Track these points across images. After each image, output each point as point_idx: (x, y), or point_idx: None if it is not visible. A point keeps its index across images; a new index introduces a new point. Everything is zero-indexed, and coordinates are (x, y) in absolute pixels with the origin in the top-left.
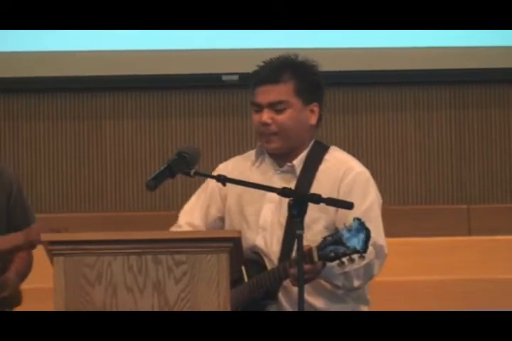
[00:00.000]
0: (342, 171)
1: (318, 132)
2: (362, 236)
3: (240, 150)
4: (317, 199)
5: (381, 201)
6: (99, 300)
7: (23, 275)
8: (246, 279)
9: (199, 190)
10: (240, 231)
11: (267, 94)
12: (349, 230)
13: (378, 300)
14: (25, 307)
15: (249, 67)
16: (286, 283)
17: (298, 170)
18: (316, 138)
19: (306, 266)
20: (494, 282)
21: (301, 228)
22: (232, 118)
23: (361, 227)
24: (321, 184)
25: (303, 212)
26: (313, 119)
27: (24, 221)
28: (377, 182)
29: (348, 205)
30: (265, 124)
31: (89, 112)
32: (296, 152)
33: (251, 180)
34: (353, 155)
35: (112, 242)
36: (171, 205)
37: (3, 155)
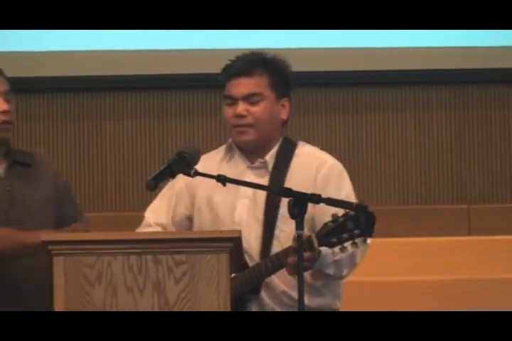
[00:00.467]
0: (315, 165)
1: (319, 132)
2: (366, 219)
3: None
4: (317, 199)
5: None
6: (99, 300)
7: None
8: None
9: (164, 190)
10: (240, 231)
11: (242, 86)
12: (351, 215)
13: (378, 300)
14: None
15: None
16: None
17: (270, 166)
18: (317, 138)
19: (306, 254)
20: (494, 282)
21: (301, 228)
22: None
23: (364, 211)
24: (295, 178)
25: (303, 212)
26: (284, 114)
27: (76, 212)
28: (377, 182)
29: (349, 205)
30: (240, 116)
31: (89, 112)
32: (267, 148)
33: None
34: (353, 155)
35: (112, 242)
36: None
37: None
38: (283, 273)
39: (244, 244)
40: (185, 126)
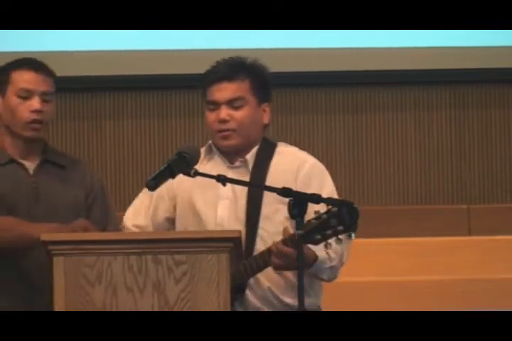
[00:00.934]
0: (296, 164)
1: (319, 132)
2: (349, 215)
3: None
4: (317, 199)
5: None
6: (99, 300)
7: None
8: None
9: (144, 192)
10: (239, 231)
11: (224, 91)
12: (334, 212)
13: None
14: None
15: None
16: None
17: (250, 165)
18: (317, 138)
19: (290, 250)
20: (494, 282)
21: (301, 228)
22: None
23: (348, 207)
24: (275, 177)
25: (303, 211)
26: (265, 118)
27: (105, 218)
28: (378, 182)
29: (349, 204)
30: (223, 121)
31: (89, 112)
32: (248, 149)
33: (197, 177)
34: (353, 155)
35: (112, 242)
36: None
37: None
38: (267, 270)
39: None
40: (185, 126)
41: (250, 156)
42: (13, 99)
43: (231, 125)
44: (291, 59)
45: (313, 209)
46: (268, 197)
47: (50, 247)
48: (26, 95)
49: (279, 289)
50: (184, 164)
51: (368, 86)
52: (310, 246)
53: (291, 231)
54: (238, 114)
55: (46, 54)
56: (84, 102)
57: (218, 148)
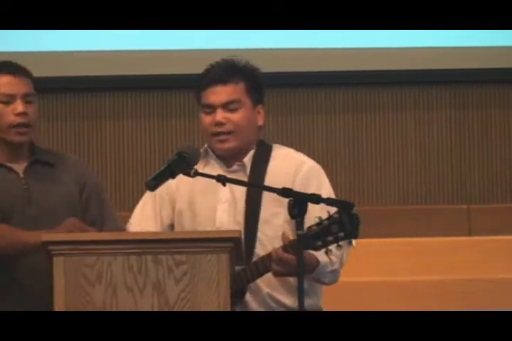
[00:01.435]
0: (294, 167)
1: (319, 132)
2: (350, 221)
3: None
4: (317, 199)
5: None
6: (99, 300)
7: None
8: None
9: (146, 196)
10: (239, 231)
11: (220, 94)
12: (335, 218)
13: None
14: None
15: None
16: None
17: (248, 169)
18: (317, 138)
19: (291, 257)
20: (494, 282)
21: (301, 228)
22: None
23: (348, 213)
24: (273, 180)
25: (303, 211)
26: (260, 120)
27: (101, 215)
28: (377, 182)
29: (349, 205)
30: (220, 124)
31: (89, 112)
32: (244, 153)
33: (196, 182)
34: (353, 155)
35: (112, 242)
36: None
37: None
38: (266, 275)
39: None
40: (185, 126)
41: (248, 160)
42: None
43: (228, 127)
44: (291, 59)
45: (313, 210)
46: (267, 201)
47: (50, 247)
48: (8, 99)
49: (279, 293)
50: (184, 164)
51: (367, 86)
52: (310, 251)
53: (290, 236)
54: (234, 117)
55: (46, 54)
56: (84, 102)
57: (214, 152)
